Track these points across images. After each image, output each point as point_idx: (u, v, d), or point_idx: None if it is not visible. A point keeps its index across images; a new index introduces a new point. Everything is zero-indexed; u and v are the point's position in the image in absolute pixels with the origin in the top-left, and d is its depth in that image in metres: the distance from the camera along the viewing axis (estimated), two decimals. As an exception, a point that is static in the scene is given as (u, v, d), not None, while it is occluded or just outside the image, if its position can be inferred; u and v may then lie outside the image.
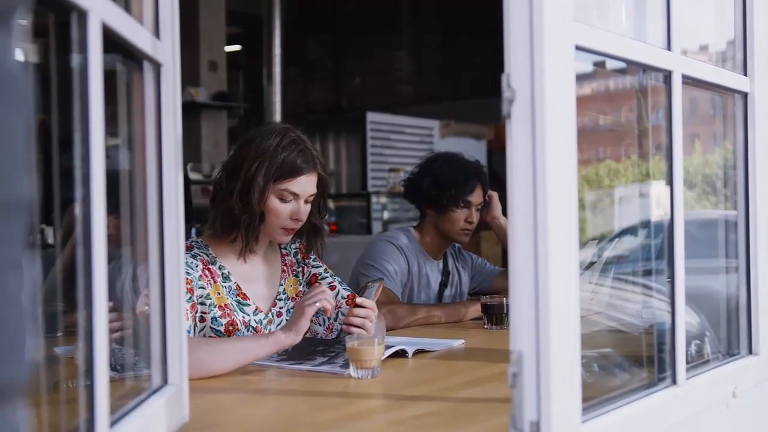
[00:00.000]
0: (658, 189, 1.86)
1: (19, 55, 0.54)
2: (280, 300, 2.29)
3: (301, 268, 2.37)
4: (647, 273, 1.92)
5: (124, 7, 1.16)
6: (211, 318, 2.12)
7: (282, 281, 2.32)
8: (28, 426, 0.58)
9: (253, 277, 2.26)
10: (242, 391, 1.78)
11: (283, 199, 2.16)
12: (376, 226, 7.17)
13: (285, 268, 2.34)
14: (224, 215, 2.17)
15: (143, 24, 1.26)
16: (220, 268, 2.18)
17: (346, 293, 2.33)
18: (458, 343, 2.31)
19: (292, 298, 2.32)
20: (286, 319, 2.26)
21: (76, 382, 1.45)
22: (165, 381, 1.34)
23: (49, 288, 1.92)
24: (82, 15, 0.97)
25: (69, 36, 0.99)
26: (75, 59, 0.99)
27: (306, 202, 2.20)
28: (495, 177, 5.71)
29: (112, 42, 1.08)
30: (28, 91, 0.54)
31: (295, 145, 2.16)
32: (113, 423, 1.06)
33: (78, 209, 0.99)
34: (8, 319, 0.53)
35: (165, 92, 1.33)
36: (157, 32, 1.32)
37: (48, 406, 1.14)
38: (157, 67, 1.32)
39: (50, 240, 2.84)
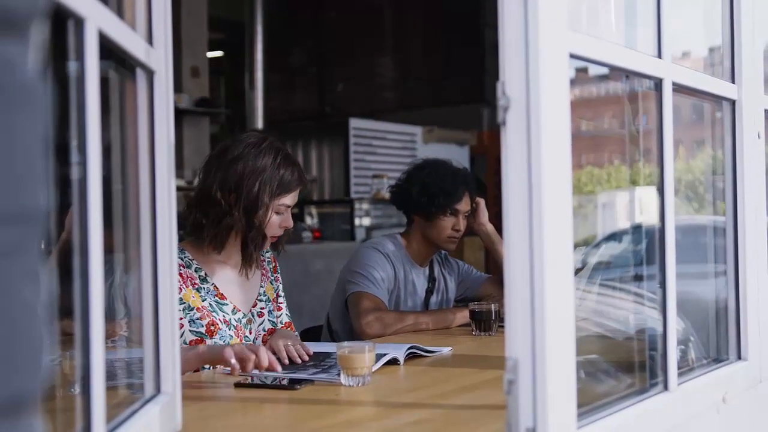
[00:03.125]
0: (642, 195, 1.87)
1: (35, 64, 0.53)
2: (261, 300, 2.36)
3: (275, 277, 2.46)
4: (635, 279, 1.93)
5: (117, 13, 1.16)
6: (190, 321, 2.16)
7: (262, 283, 2.38)
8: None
9: (233, 279, 2.30)
10: (234, 400, 1.77)
11: (278, 212, 2.25)
12: (360, 233, 7.16)
13: (264, 271, 2.41)
14: (224, 232, 2.21)
15: (136, 31, 1.26)
16: (196, 271, 2.22)
17: (285, 320, 2.43)
18: (446, 350, 2.31)
19: (272, 300, 2.39)
20: (269, 320, 2.35)
21: (67, 390, 1.44)
22: (158, 390, 1.33)
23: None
24: (79, 22, 0.96)
25: (64, 42, 0.98)
26: (71, 66, 0.98)
27: (291, 210, 2.30)
28: (478, 183, 5.72)
29: (106, 49, 1.08)
30: (45, 100, 0.54)
31: (289, 160, 2.26)
32: (109, 433, 1.05)
33: (74, 217, 0.98)
34: (26, 329, 0.52)
35: (158, 99, 1.33)
36: (150, 39, 1.32)
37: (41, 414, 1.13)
38: (150, 74, 1.31)
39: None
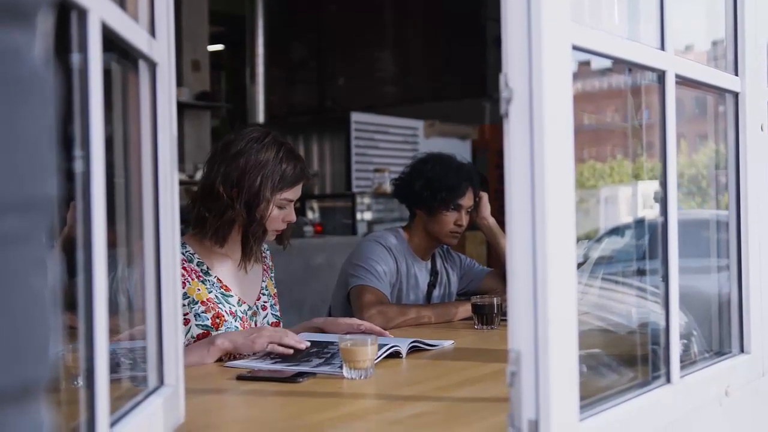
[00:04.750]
0: (644, 189, 1.87)
1: (42, 53, 0.53)
2: (263, 295, 2.38)
3: (272, 275, 2.47)
4: (637, 273, 1.93)
5: (119, 4, 1.15)
6: (195, 315, 2.16)
7: (264, 278, 2.40)
8: (52, 423, 0.57)
9: (236, 272, 2.31)
10: (237, 392, 1.77)
11: (281, 207, 2.25)
12: (361, 227, 7.16)
13: (265, 267, 2.43)
14: (226, 225, 2.21)
15: (138, 22, 1.25)
16: (198, 265, 2.23)
17: (273, 319, 2.41)
18: (448, 343, 2.32)
19: (273, 296, 2.42)
20: (271, 314, 2.38)
21: (70, 383, 1.44)
22: (161, 382, 1.33)
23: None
24: (82, 13, 0.96)
25: (67, 34, 0.98)
26: (74, 58, 0.98)
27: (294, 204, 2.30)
28: (481, 178, 5.71)
29: (108, 40, 1.07)
30: (52, 89, 0.54)
31: (291, 154, 2.26)
32: (113, 423, 1.05)
33: (78, 210, 0.98)
34: (34, 318, 0.52)
35: (161, 91, 1.32)
36: (152, 31, 1.31)
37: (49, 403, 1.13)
38: (152, 66, 1.31)
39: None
